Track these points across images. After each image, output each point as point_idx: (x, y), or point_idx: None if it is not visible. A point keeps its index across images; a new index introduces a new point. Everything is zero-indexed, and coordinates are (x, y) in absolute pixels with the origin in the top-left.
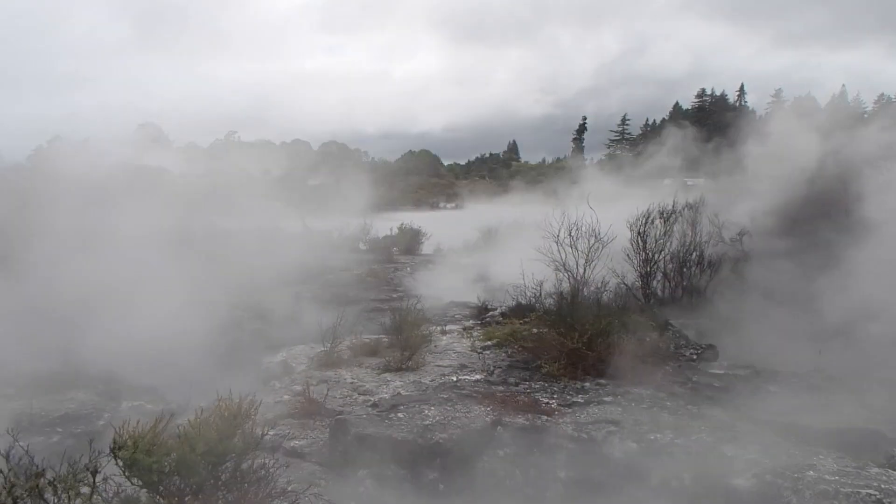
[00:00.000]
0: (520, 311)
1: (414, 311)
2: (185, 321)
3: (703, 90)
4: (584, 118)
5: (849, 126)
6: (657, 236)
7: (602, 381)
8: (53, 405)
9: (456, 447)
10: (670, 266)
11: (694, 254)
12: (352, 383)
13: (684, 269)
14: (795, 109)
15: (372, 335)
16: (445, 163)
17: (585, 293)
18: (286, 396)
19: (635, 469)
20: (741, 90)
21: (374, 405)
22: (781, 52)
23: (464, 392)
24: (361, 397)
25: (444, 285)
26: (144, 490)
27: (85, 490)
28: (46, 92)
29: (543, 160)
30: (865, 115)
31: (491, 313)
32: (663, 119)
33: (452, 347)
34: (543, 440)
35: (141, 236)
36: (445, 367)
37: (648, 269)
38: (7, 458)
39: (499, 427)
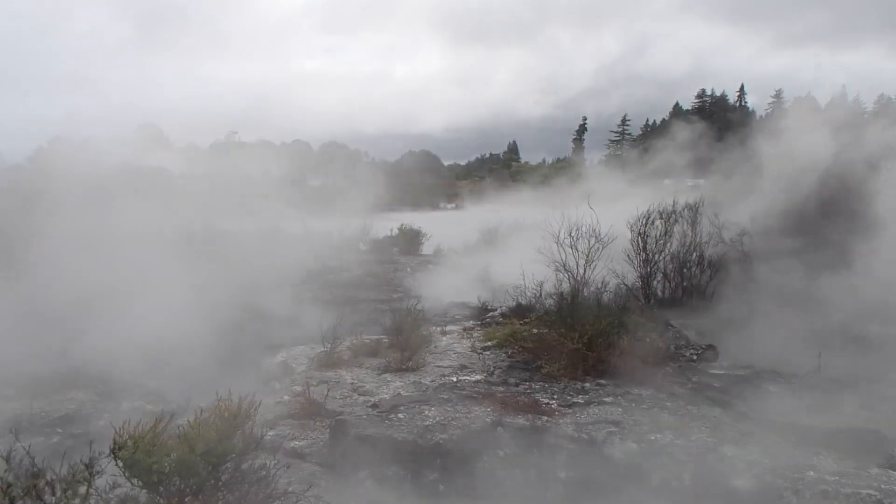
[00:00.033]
0: (520, 311)
1: (414, 312)
2: (185, 322)
3: (704, 91)
4: (585, 118)
5: (857, 125)
6: (657, 237)
7: (602, 381)
8: (53, 406)
9: (456, 448)
10: (670, 266)
11: (694, 254)
12: (352, 384)
13: (684, 270)
14: (797, 109)
15: (372, 336)
16: (446, 163)
17: (586, 294)
18: (286, 397)
19: (636, 469)
20: (741, 91)
21: (375, 406)
22: (781, 53)
23: (464, 392)
24: (361, 398)
25: (444, 286)
26: (144, 490)
27: (83, 490)
28: (47, 92)
29: (544, 160)
30: (865, 116)
31: (491, 314)
32: (664, 119)
33: (452, 348)
34: (544, 441)
35: (141, 237)
36: (445, 367)
37: (648, 270)
38: (7, 459)
39: (499, 427)
